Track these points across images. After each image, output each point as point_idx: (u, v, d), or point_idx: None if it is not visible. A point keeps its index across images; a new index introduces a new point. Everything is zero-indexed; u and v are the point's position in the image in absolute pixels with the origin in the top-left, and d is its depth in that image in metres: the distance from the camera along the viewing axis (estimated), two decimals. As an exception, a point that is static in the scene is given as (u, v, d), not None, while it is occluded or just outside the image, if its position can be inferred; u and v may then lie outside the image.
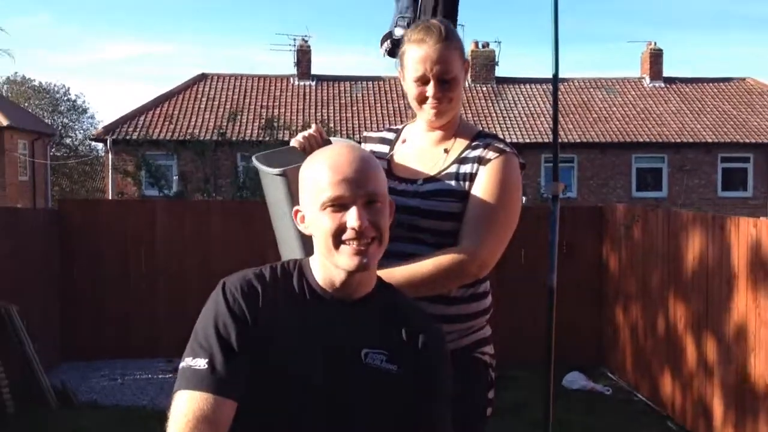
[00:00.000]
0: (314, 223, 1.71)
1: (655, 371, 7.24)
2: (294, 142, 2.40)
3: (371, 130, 2.66)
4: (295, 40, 25.60)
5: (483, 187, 2.20)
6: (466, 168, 2.24)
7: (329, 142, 2.42)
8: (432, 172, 2.27)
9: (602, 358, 8.61)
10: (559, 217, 3.69)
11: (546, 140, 22.45)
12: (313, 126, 2.37)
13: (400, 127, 2.49)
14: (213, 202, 10.94)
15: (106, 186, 22.77)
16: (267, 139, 14.72)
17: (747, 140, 23.27)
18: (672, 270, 6.89)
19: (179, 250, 8.74)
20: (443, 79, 2.24)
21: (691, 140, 23.30)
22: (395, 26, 3.76)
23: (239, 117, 15.98)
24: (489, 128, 22.09)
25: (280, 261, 1.82)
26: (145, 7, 78.16)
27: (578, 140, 22.84)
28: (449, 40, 2.24)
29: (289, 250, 2.33)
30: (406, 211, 2.20)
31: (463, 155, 2.27)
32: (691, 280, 6.49)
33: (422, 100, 2.27)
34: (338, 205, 1.66)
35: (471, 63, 25.07)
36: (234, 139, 16.84)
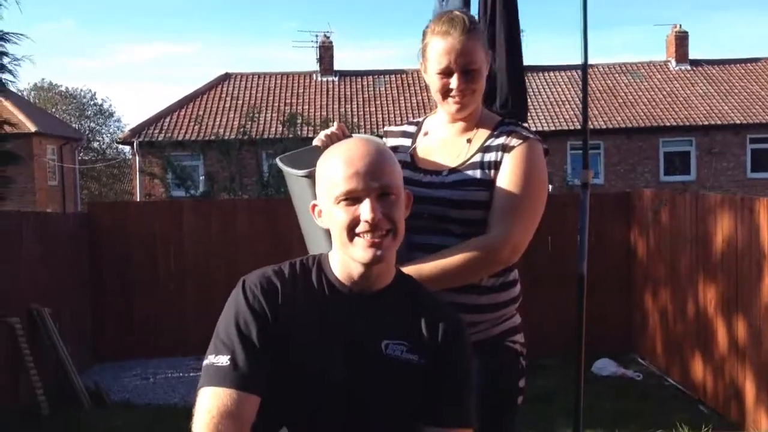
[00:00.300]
0: (330, 217, 1.73)
1: (685, 355, 7.17)
2: (317, 141, 2.40)
3: (393, 125, 2.67)
4: (317, 36, 25.67)
5: (508, 174, 2.20)
6: (490, 156, 2.24)
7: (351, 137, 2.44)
8: (456, 163, 2.28)
9: (632, 344, 8.54)
10: (588, 204, 3.65)
11: (571, 127, 22.28)
12: (336, 124, 2.38)
13: (420, 119, 2.49)
14: (239, 201, 11.01)
15: (134, 188, 23.00)
16: (290, 136, 14.78)
17: (776, 120, 22.93)
18: (701, 253, 6.82)
19: (206, 249, 8.81)
20: (467, 71, 2.24)
21: (718, 122, 23.01)
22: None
23: (261, 115, 16.05)
24: (503, 117, 21.94)
25: (299, 258, 1.83)
26: (165, 9, 78.75)
27: (604, 126, 22.65)
28: (473, 31, 2.24)
29: (316, 247, 2.34)
30: (433, 203, 2.21)
31: (487, 144, 2.27)
32: (721, 262, 6.42)
33: (446, 92, 2.27)
34: (351, 198, 1.68)
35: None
36: (258, 137, 16.91)
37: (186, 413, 1.68)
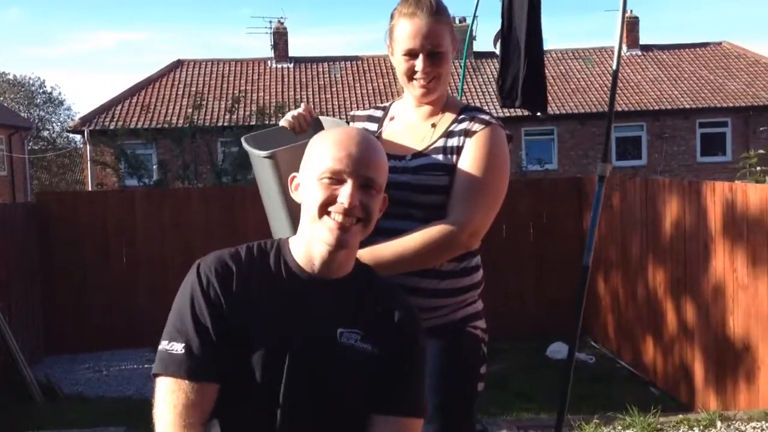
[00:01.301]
0: (307, 191, 1.74)
1: (636, 338, 7.30)
2: (284, 122, 2.40)
3: (355, 110, 2.66)
4: (271, 22, 25.44)
5: (469, 158, 2.21)
6: (453, 141, 2.25)
7: (318, 122, 2.43)
8: (420, 147, 2.28)
9: (585, 327, 8.64)
10: (602, 197, 3.64)
11: (525, 113, 22.42)
12: (303, 105, 2.37)
13: (387, 104, 2.49)
14: (192, 189, 10.89)
15: (86, 178, 22.63)
16: (236, 123, 14.64)
17: (724, 104, 23.36)
18: (650, 237, 6.93)
19: (160, 238, 8.70)
20: (433, 53, 2.23)
21: (669, 107, 23.37)
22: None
23: (215, 102, 15.90)
24: (468, 103, 22.05)
25: (258, 241, 1.82)
26: (117, -5, 77.33)
27: (558, 112, 22.85)
28: (440, 14, 2.24)
29: (280, 228, 2.34)
30: (396, 187, 2.20)
31: (450, 129, 2.28)
32: (670, 245, 6.54)
33: (411, 74, 2.27)
34: (335, 178, 1.70)
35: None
36: (211, 125, 16.73)
37: (140, 406, 1.67)
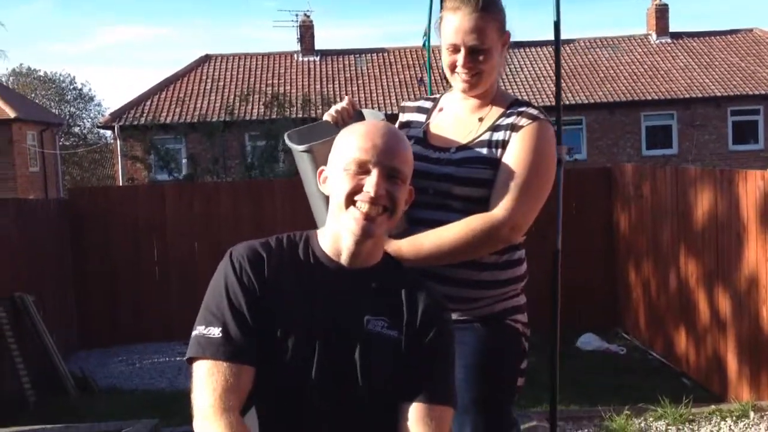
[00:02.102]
0: (334, 182, 1.77)
1: (668, 329, 7.24)
2: (327, 116, 2.41)
3: (375, 104, 2.65)
4: (297, 15, 25.48)
5: (514, 152, 2.19)
6: (498, 135, 2.23)
7: (361, 115, 2.44)
8: (466, 140, 2.27)
9: (616, 319, 8.60)
10: (563, 180, 3.65)
11: (553, 103, 22.26)
12: (346, 99, 2.38)
13: (438, 96, 2.47)
14: (222, 184, 10.95)
15: (117, 173, 22.85)
16: (276, 117, 14.69)
17: (756, 92, 23.02)
18: (682, 227, 6.86)
19: (189, 233, 8.77)
20: (474, 49, 2.21)
21: (700, 95, 23.07)
22: None
23: (250, 97, 15.99)
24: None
25: (287, 233, 1.85)
26: (145, -9, 77.85)
27: (586, 101, 22.67)
28: (486, 10, 2.20)
29: (322, 221, 2.37)
30: (438, 179, 2.21)
31: (497, 123, 2.26)
32: (702, 235, 6.47)
33: (453, 68, 2.26)
34: (361, 169, 1.73)
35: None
36: (240, 118, 16.81)
37: (173, 398, 1.70)
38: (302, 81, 23.80)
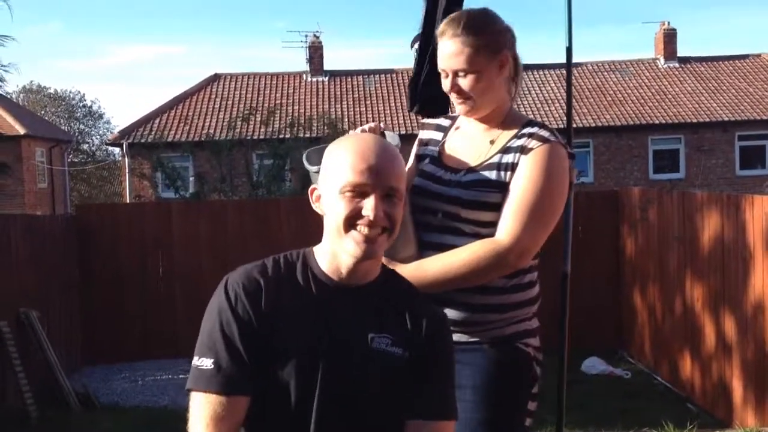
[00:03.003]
0: (330, 205, 1.74)
1: (674, 353, 7.20)
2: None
3: (382, 124, 2.65)
4: (306, 36, 25.62)
5: (523, 175, 2.15)
6: (508, 158, 2.19)
7: (383, 137, 2.39)
8: (476, 163, 2.24)
9: (621, 342, 8.57)
10: (573, 203, 3.63)
11: (561, 125, 22.28)
12: (372, 123, 2.31)
13: (456, 114, 2.42)
14: (228, 202, 10.99)
15: (124, 190, 22.93)
16: (284, 136, 14.75)
17: (764, 117, 23.01)
18: (688, 251, 6.84)
19: (196, 250, 8.78)
20: (459, 73, 2.21)
21: (707, 120, 23.08)
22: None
23: (252, 116, 16.06)
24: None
25: (283, 252, 1.83)
26: (153, 10, 78.49)
27: (593, 124, 22.69)
28: (469, 32, 2.18)
29: None
30: (447, 201, 2.19)
31: (508, 145, 2.22)
32: (708, 260, 6.45)
33: (449, 92, 2.26)
34: (358, 192, 1.70)
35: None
36: (248, 137, 16.89)
37: (175, 415, 1.71)
38: (310, 101, 23.89)
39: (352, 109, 23.53)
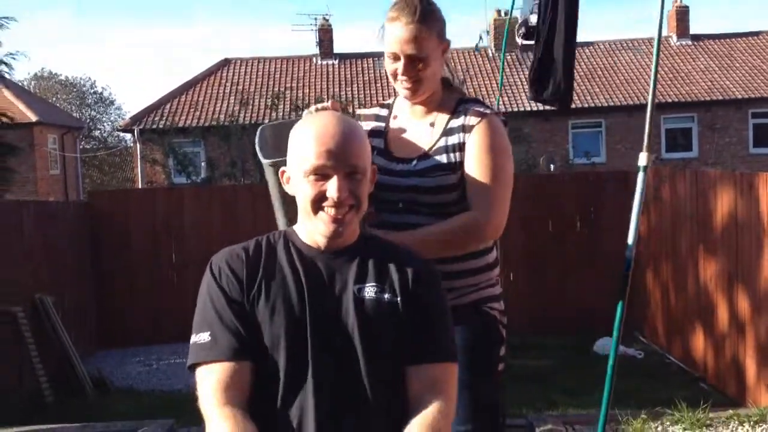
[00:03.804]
0: (297, 187, 1.82)
1: (686, 333, 7.18)
2: (307, 114, 2.41)
3: (362, 109, 2.73)
4: (316, 19, 25.52)
5: (474, 155, 2.29)
6: (453, 139, 2.32)
7: None
8: (424, 149, 2.35)
9: (634, 322, 8.53)
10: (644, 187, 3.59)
11: (573, 105, 22.16)
12: (330, 102, 2.40)
13: (390, 101, 2.55)
14: (239, 187, 11.00)
15: (136, 176, 23.00)
16: (288, 118, 14.74)
17: (778, 94, 22.81)
18: (701, 230, 6.81)
19: (208, 235, 8.80)
20: (413, 58, 2.30)
21: (720, 98, 22.88)
22: (530, 14, 4.04)
23: (261, 100, 16.06)
24: (515, 97, 21.88)
25: (265, 234, 1.91)
26: (166, -5, 78.38)
27: (605, 104, 22.55)
28: (423, 20, 2.28)
29: (280, 226, 2.40)
30: (406, 191, 2.30)
31: (449, 126, 2.35)
32: (721, 238, 6.41)
33: (394, 75, 2.35)
34: (320, 174, 1.76)
35: (495, 32, 24.83)
36: (258, 121, 16.89)
37: (189, 398, 1.74)
38: (321, 84, 23.84)
39: (362, 91, 23.47)
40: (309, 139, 1.77)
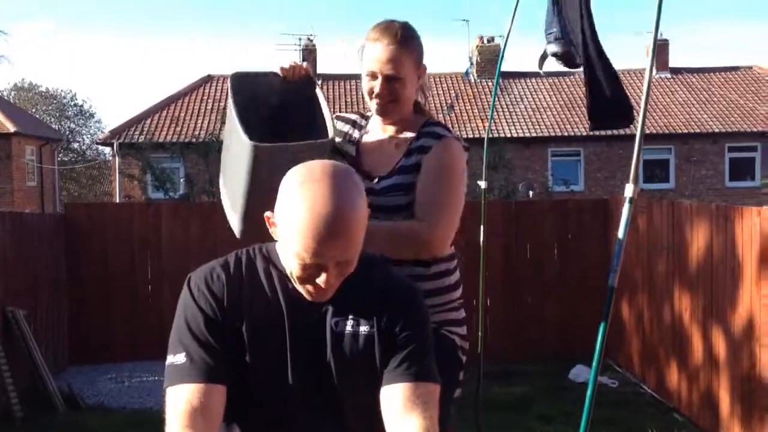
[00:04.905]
0: (285, 250, 1.69)
1: (661, 363, 7.21)
2: (277, 68, 2.48)
3: (341, 112, 2.84)
4: (300, 39, 25.62)
5: (425, 175, 2.37)
6: (411, 160, 2.41)
7: (312, 84, 2.48)
8: (386, 170, 2.43)
9: (608, 351, 8.56)
10: (629, 219, 3.61)
11: (552, 134, 22.40)
12: (305, 63, 2.51)
13: (369, 114, 2.61)
14: (218, 203, 10.93)
15: (114, 190, 22.85)
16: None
17: (754, 129, 23.16)
18: (677, 261, 6.86)
19: (185, 251, 8.73)
20: (390, 78, 2.38)
21: (698, 131, 23.20)
22: (548, 44, 4.14)
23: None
24: (495, 123, 22.02)
25: (244, 248, 1.87)
26: (147, 10, 78.32)
27: (584, 133, 22.76)
28: (404, 42, 2.38)
29: (229, 205, 2.47)
30: None
31: (410, 147, 2.44)
32: (696, 270, 6.46)
33: (370, 94, 2.43)
34: (311, 263, 1.64)
35: (478, 58, 25.04)
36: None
37: (161, 417, 1.70)
38: (303, 104, 23.85)
39: (346, 112, 23.48)
40: (303, 227, 1.59)
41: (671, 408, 6.82)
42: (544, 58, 4.50)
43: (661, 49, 25.97)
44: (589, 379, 3.24)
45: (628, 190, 3.48)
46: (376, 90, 2.40)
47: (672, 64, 26.14)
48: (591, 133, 22.66)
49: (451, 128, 2.58)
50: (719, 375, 6.02)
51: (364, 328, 1.74)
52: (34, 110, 39.90)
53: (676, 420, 6.47)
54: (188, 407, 1.64)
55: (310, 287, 1.70)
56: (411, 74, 2.41)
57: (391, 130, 2.51)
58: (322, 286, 1.67)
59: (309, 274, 1.67)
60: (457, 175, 2.41)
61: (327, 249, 1.61)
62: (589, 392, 3.21)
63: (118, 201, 20.17)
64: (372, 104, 2.45)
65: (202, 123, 22.21)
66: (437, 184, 2.35)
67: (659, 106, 24.12)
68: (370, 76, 2.41)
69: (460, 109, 23.12)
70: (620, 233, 3.31)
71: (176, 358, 1.70)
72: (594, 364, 3.21)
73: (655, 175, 23.30)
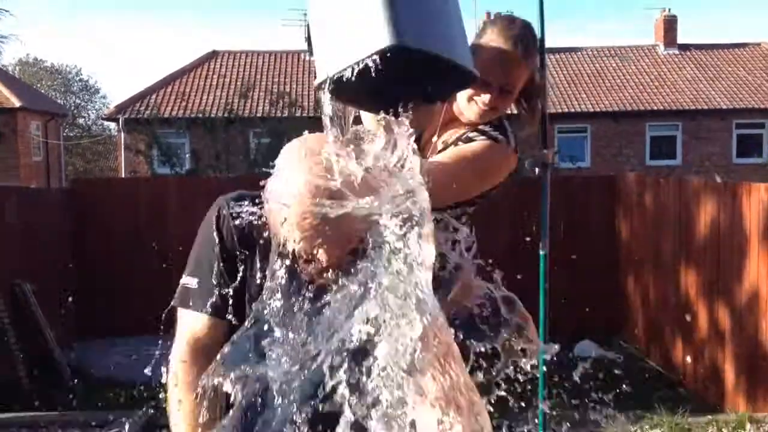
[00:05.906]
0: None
1: (666, 338, 7.23)
2: None
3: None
4: (306, 15, 25.42)
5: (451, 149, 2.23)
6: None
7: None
8: None
9: (614, 327, 8.58)
10: (549, 185, 3.64)
11: (558, 110, 22.28)
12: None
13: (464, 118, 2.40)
14: (224, 179, 10.95)
15: (119, 165, 22.86)
16: (282, 115, 14.73)
17: (762, 106, 23.00)
18: (684, 237, 6.85)
19: (191, 226, 8.68)
20: (505, 91, 2.24)
21: (705, 107, 23.04)
22: None
23: (249, 95, 15.98)
24: None
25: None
26: (154, -15, 77.92)
27: (591, 109, 22.65)
28: (525, 55, 2.23)
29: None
30: None
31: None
32: (703, 247, 6.46)
33: (488, 102, 2.24)
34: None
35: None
36: (246, 115, 16.81)
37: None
38: (309, 80, 23.76)
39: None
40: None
41: (677, 382, 6.85)
42: None
43: (669, 25, 25.77)
44: (539, 352, 3.24)
45: (540, 156, 3.47)
46: (487, 100, 2.18)
47: (681, 40, 25.94)
48: (598, 109, 22.62)
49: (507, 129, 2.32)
50: (724, 350, 6.04)
51: None
52: (39, 85, 39.82)
53: (681, 393, 6.50)
54: (192, 334, 1.71)
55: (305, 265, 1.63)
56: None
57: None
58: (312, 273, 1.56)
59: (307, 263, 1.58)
60: (482, 161, 2.17)
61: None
62: (540, 361, 3.22)
63: (123, 176, 20.18)
64: (470, 106, 2.22)
65: (207, 98, 22.13)
66: (449, 156, 2.15)
67: (667, 82, 23.96)
68: (489, 82, 2.16)
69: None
70: (544, 208, 3.37)
71: (189, 281, 1.73)
72: (540, 331, 3.25)
73: (662, 151, 23.19)
